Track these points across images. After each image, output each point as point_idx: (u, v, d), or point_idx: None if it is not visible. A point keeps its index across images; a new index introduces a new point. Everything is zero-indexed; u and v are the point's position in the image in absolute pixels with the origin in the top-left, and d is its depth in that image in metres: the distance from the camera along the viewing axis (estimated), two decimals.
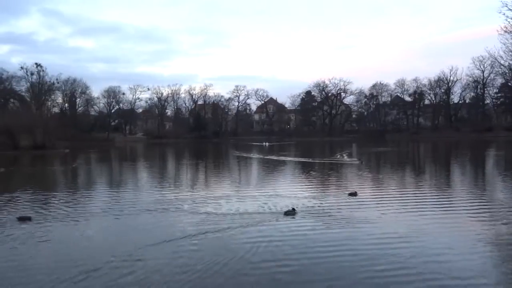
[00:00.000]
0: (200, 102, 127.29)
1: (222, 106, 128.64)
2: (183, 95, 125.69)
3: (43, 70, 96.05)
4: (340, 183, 24.10)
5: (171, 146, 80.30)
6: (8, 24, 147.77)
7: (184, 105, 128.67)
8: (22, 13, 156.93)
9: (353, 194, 18.25)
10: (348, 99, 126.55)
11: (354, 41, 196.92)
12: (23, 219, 14.45)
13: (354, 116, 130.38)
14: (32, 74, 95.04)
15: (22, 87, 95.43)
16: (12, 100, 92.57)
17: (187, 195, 19.84)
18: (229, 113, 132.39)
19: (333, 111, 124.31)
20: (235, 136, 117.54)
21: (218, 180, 27.14)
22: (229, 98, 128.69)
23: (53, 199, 19.80)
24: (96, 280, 8.71)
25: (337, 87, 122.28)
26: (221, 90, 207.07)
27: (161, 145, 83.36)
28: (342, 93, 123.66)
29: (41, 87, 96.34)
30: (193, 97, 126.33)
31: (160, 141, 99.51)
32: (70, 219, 14.81)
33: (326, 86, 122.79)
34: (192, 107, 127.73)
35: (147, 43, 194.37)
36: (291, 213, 14.61)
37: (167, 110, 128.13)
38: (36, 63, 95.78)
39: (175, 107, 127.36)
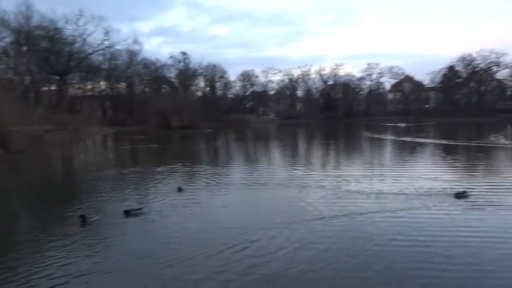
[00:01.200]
0: (331, 82, 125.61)
1: (353, 86, 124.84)
2: (313, 76, 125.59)
3: (188, 58, 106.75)
4: (496, 167, 21.41)
5: (301, 127, 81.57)
6: (158, 18, 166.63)
7: (314, 85, 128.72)
8: (168, 7, 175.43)
9: None
10: (502, 74, 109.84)
11: (509, 5, 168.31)
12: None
13: (509, 93, 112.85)
14: (179, 62, 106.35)
15: (171, 74, 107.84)
16: (164, 85, 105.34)
17: (323, 173, 20.08)
18: (361, 92, 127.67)
19: (482, 88, 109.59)
20: (367, 116, 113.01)
21: (352, 160, 26.68)
22: (361, 77, 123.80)
23: (201, 172, 22.12)
24: (250, 250, 9.52)
25: (487, 60, 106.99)
26: (351, 69, 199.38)
27: (292, 126, 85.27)
28: (493, 67, 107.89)
29: (186, 73, 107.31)
30: (323, 77, 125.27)
31: (291, 121, 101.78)
32: (216, 190, 16.42)
33: (473, 60, 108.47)
34: (322, 87, 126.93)
35: (278, 26, 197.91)
36: (462, 195, 13.69)
37: (297, 91, 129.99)
38: (182, 52, 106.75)
39: (306, 88, 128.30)
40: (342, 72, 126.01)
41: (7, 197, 16.98)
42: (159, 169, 23.23)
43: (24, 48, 73.52)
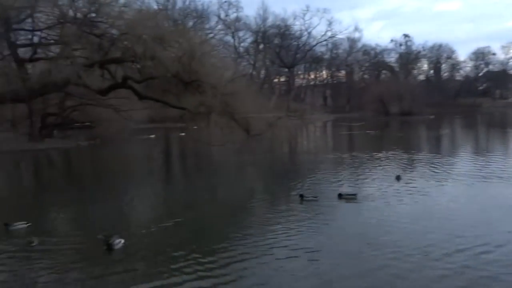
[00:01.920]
0: None
1: None
2: None
3: (410, 40, 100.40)
4: None
5: None
6: (378, 2, 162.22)
7: None
8: None
9: None
10: None
11: None
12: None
13: None
14: (400, 45, 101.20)
15: (391, 58, 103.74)
16: (383, 71, 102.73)
17: None
18: None
19: None
20: None
21: None
22: None
23: (422, 161, 21.06)
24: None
25: None
26: None
27: None
28: None
29: (408, 56, 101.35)
30: None
31: None
32: (441, 181, 15.47)
33: None
34: None
35: None
36: None
37: None
38: (404, 34, 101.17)
39: None
40: None
41: (246, 172, 20.57)
42: (375, 155, 23.37)
43: (261, 46, 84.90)
